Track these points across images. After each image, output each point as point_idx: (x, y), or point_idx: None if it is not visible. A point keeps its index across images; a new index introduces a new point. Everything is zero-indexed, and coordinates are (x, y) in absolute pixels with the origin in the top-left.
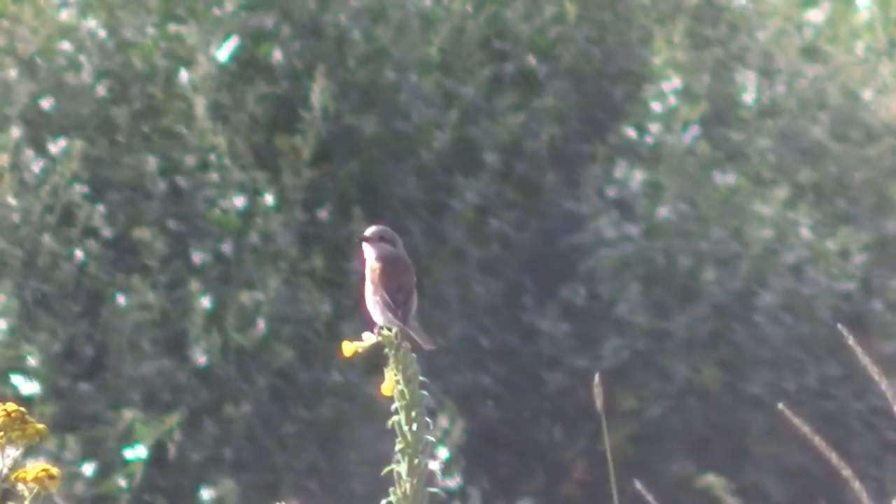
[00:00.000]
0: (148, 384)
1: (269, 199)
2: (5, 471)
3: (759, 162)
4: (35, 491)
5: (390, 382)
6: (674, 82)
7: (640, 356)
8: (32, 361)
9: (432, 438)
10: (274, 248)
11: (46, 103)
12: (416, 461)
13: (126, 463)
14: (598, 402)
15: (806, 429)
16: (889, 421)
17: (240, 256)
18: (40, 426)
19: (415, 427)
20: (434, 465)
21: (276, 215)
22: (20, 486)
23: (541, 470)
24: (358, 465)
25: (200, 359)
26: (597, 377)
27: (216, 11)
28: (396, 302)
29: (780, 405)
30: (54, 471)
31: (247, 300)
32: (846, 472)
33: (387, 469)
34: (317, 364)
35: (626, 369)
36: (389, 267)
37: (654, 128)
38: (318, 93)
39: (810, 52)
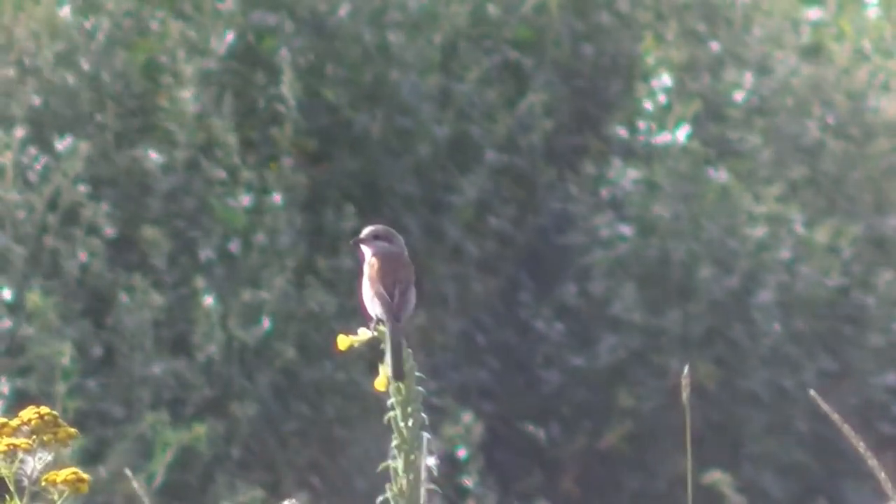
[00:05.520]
0: (155, 383)
1: (277, 197)
2: (37, 474)
3: (752, 159)
4: (65, 494)
5: (384, 378)
6: (666, 80)
7: (636, 354)
8: (64, 360)
9: (428, 435)
10: (277, 247)
11: (48, 101)
12: (411, 457)
13: (148, 464)
14: (685, 395)
15: (836, 416)
16: (886, 417)
17: (246, 254)
18: (72, 430)
19: (410, 423)
20: (431, 462)
21: (282, 213)
22: (50, 489)
23: (539, 468)
24: (359, 462)
25: (201, 356)
26: (686, 370)
27: (219, 6)
28: (392, 293)
29: (812, 392)
30: (84, 474)
31: (250, 298)
32: (872, 461)
33: (382, 465)
34: (318, 362)
35: (623, 367)
36: (387, 263)
37: (649, 126)
38: (289, 84)
39: (810, 50)
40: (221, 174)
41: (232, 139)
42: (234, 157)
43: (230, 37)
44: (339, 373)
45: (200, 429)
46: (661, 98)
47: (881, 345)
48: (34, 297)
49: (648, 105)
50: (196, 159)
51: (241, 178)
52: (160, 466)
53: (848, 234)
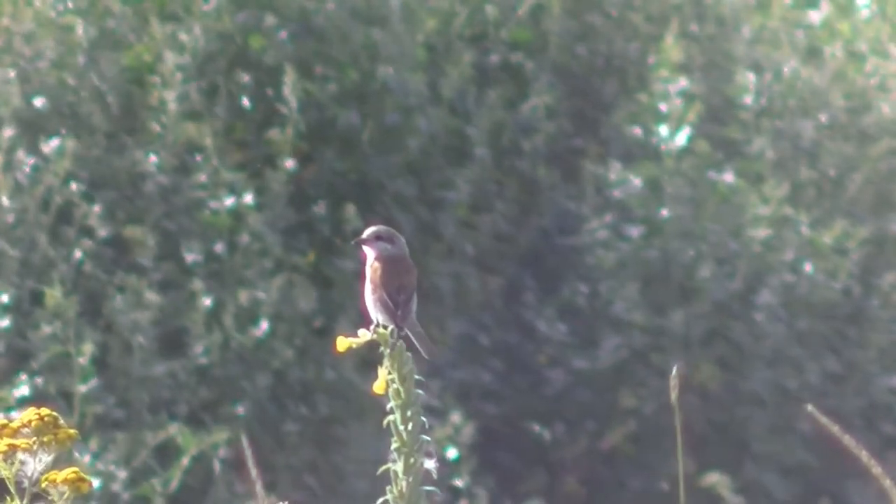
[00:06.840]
0: (151, 384)
1: (248, 198)
2: (37, 475)
3: (757, 161)
4: (66, 494)
5: (383, 381)
6: (671, 82)
7: (639, 354)
8: (82, 360)
9: (428, 438)
10: (260, 246)
11: (39, 102)
12: (411, 460)
13: (165, 468)
14: (674, 396)
15: (835, 428)
16: (890, 418)
17: (232, 255)
18: (72, 431)
19: (410, 426)
20: (430, 465)
21: (262, 214)
22: (51, 490)
23: (541, 468)
24: (355, 464)
25: (201, 358)
26: (674, 370)
27: (205, 7)
28: (396, 302)
29: (810, 407)
30: (84, 474)
31: (246, 300)
32: (876, 469)
33: (383, 468)
34: (311, 362)
35: (625, 368)
36: (391, 266)
37: (652, 127)
38: (291, 86)
39: (812, 53)
40: (202, 177)
41: (210, 142)
42: (213, 159)
43: (203, 28)
44: (332, 373)
45: (221, 435)
46: (674, 100)
47: (885, 346)
48: (55, 295)
49: (651, 106)
50: (183, 160)
51: (222, 181)
52: (178, 471)
53: (856, 237)
